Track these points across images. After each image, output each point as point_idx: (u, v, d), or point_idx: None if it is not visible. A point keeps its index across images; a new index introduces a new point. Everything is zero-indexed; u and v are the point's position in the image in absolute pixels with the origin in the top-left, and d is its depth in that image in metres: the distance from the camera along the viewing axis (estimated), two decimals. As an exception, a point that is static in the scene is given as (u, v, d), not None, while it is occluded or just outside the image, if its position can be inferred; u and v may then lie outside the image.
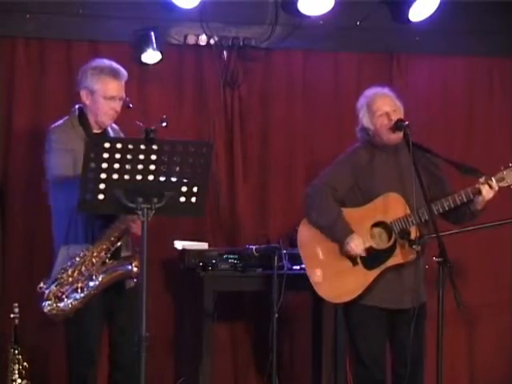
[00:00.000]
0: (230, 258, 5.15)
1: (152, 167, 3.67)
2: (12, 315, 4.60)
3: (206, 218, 5.47)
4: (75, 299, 4.20)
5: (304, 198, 4.65)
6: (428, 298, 4.55)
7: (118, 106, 4.34)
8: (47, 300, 4.20)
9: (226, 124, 5.63)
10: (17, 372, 4.62)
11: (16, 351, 4.61)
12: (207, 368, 5.14)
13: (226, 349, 5.62)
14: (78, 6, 5.31)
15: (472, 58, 5.91)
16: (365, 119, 4.56)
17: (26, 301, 5.09)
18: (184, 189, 3.74)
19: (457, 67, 5.92)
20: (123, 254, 4.34)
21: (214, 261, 5.11)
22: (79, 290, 4.21)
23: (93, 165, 3.63)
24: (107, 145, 3.63)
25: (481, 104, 5.96)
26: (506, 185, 4.42)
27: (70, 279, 4.20)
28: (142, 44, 5.36)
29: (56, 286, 4.22)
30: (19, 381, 4.62)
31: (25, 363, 4.64)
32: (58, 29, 5.33)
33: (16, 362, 4.61)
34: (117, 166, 3.63)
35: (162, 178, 3.69)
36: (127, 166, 3.65)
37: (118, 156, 3.63)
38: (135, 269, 4.24)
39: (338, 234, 4.49)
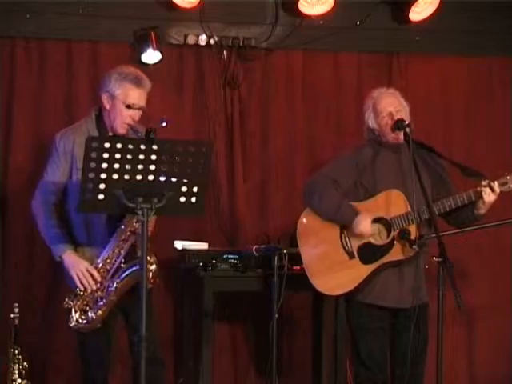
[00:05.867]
0: (230, 258, 5.15)
1: (152, 167, 3.67)
2: (12, 315, 4.59)
3: (205, 217, 5.47)
4: (98, 308, 4.23)
5: (304, 188, 4.64)
6: (428, 298, 4.55)
7: (136, 114, 4.30)
8: (73, 315, 4.24)
9: (226, 124, 5.63)
10: (17, 372, 4.61)
11: (16, 351, 4.61)
12: (207, 368, 5.14)
13: (226, 349, 5.62)
14: (78, 6, 5.32)
15: (472, 58, 5.91)
16: (370, 120, 4.57)
17: (25, 301, 5.10)
18: (184, 189, 3.74)
19: (457, 67, 5.92)
20: (139, 253, 4.33)
21: (214, 261, 5.11)
22: (98, 299, 4.24)
23: (93, 165, 3.62)
24: (107, 145, 3.63)
25: (481, 104, 5.95)
26: (508, 190, 4.42)
27: (90, 290, 4.24)
28: (142, 44, 5.36)
29: (79, 301, 4.25)
30: (19, 381, 4.61)
31: (25, 363, 4.63)
32: (58, 29, 5.33)
33: (16, 361, 4.60)
34: (117, 166, 3.63)
35: (162, 178, 3.69)
36: (127, 166, 3.65)
37: (118, 156, 3.63)
38: (152, 266, 4.25)
39: (344, 216, 4.48)
